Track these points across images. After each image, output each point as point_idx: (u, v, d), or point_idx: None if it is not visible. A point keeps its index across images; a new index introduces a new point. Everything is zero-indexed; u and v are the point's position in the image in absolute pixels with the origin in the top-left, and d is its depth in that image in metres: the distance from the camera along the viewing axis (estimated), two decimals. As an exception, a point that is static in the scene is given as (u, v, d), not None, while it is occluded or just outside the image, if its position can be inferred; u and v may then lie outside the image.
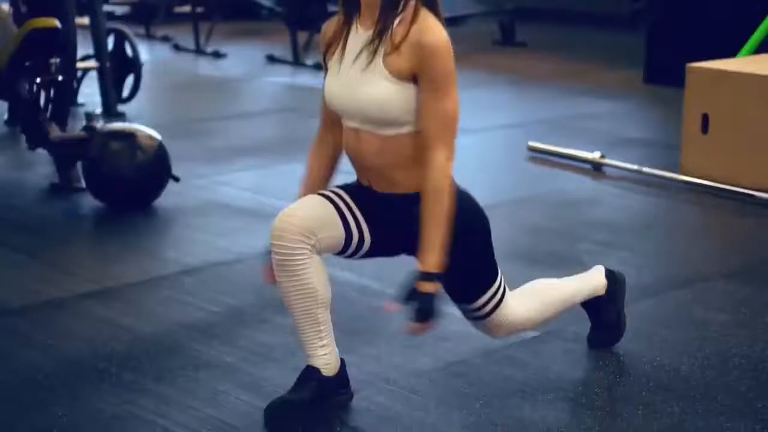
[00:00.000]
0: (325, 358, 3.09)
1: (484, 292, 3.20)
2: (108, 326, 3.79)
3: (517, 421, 3.14)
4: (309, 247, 2.99)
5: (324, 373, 3.09)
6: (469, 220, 3.10)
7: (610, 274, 3.58)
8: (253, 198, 5.35)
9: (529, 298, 3.36)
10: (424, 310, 2.92)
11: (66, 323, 3.83)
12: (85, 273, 4.33)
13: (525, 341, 3.66)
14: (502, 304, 3.24)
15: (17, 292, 4.13)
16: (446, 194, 2.93)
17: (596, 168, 5.90)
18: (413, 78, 2.92)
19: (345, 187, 3.16)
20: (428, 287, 2.91)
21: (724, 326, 3.83)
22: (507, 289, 3.27)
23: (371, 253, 3.16)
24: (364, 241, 3.10)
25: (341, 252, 3.11)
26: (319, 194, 3.11)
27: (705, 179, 5.53)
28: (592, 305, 3.56)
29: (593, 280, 3.55)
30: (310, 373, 3.09)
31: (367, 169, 3.08)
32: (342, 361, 3.16)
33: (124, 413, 3.15)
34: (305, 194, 3.16)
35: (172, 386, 3.32)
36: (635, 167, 5.77)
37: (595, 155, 5.91)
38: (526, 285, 3.42)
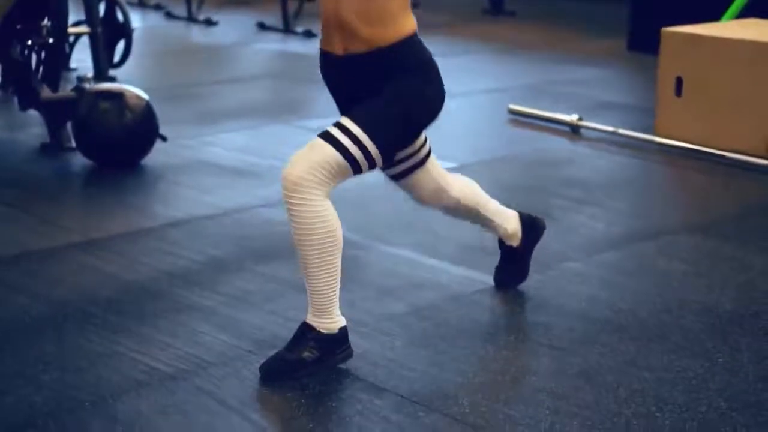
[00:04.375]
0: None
1: (371, 132, 3.10)
2: (94, 274, 3.96)
3: (480, 359, 3.32)
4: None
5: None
6: (431, 85, 3.18)
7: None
8: (239, 157, 5.51)
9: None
10: None
11: (54, 272, 4.00)
12: (74, 226, 4.50)
13: (492, 287, 3.83)
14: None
15: (8, 243, 4.29)
16: None
17: (574, 130, 6.06)
18: None
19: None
20: None
21: (685, 275, 4.00)
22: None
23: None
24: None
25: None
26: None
27: (678, 141, 5.69)
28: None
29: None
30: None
31: (340, 27, 3.12)
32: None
33: (108, 351, 3.32)
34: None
35: (154, 327, 3.49)
36: (611, 129, 5.93)
37: (572, 118, 6.07)
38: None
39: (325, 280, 3.13)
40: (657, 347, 3.39)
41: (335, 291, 3.17)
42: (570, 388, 3.12)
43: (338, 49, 3.18)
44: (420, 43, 3.20)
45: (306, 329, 3.19)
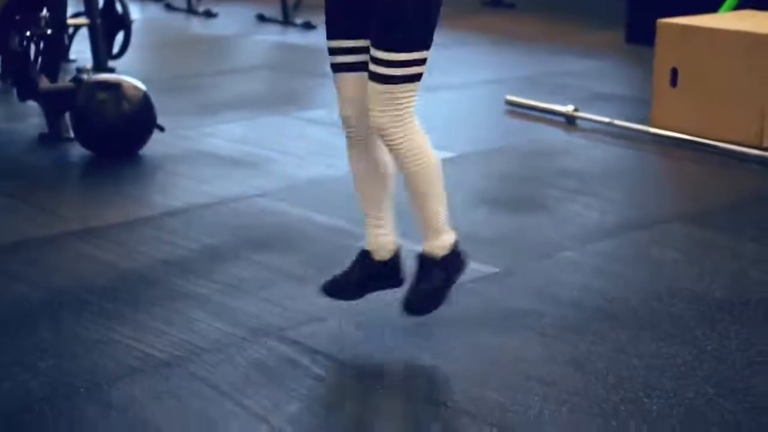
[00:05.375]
0: (379, 241, 3.40)
1: (405, 49, 3.14)
2: (92, 262, 4.00)
3: (473, 344, 3.36)
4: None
5: (375, 258, 3.40)
6: None
7: (456, 246, 3.41)
8: (237, 148, 5.54)
9: (426, 141, 3.28)
10: None
11: (52, 260, 4.04)
12: (72, 215, 4.53)
13: (486, 276, 3.87)
14: (410, 83, 3.18)
15: (6, 232, 4.33)
16: None
17: (570, 121, 6.09)
18: None
19: (335, 26, 3.28)
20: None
21: (677, 264, 4.04)
22: (417, 93, 3.27)
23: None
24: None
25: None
26: (341, 67, 3.27)
27: (673, 131, 5.72)
28: (423, 262, 3.40)
29: (446, 226, 3.38)
30: (362, 256, 3.43)
31: None
32: (398, 251, 3.44)
33: (103, 338, 3.36)
34: None
35: (150, 315, 3.53)
36: (607, 120, 5.96)
37: (568, 109, 6.10)
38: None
39: (434, 201, 3.32)
40: (647, 335, 3.42)
41: (445, 207, 3.36)
42: (560, 375, 3.15)
43: None
44: None
45: (426, 261, 3.38)
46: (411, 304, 3.36)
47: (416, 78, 3.22)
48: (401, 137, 3.20)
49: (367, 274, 3.44)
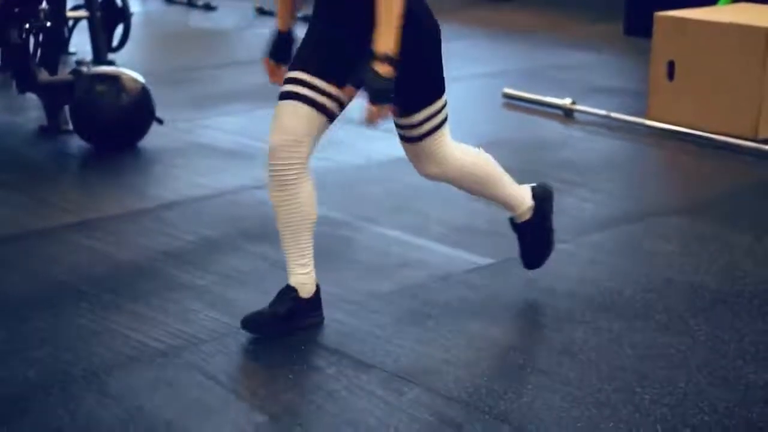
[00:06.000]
0: (303, 278, 3.35)
1: (426, 106, 3.30)
2: (89, 254, 4.02)
3: (466, 336, 3.38)
4: (300, 160, 3.22)
5: (300, 294, 3.34)
6: (422, 23, 3.22)
7: (537, 191, 3.71)
8: (234, 140, 5.56)
9: (467, 152, 3.49)
10: (380, 91, 3.07)
11: (49, 251, 4.06)
12: (70, 207, 4.56)
13: (481, 267, 3.90)
14: (440, 130, 3.36)
15: (5, 223, 4.36)
16: None
17: (567, 114, 6.11)
18: None
19: (301, 61, 3.29)
20: (383, 68, 3.06)
21: (671, 256, 4.06)
22: (448, 126, 3.40)
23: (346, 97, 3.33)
24: (340, 99, 3.27)
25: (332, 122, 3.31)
26: (290, 95, 3.25)
27: (670, 124, 5.74)
28: (520, 228, 3.69)
29: (521, 193, 3.65)
30: (288, 291, 3.35)
31: (328, 3, 3.24)
32: (317, 287, 3.39)
33: (100, 328, 3.39)
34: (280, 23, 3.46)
35: (147, 305, 3.56)
36: (604, 113, 5.98)
37: (565, 101, 6.12)
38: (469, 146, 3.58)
39: (501, 186, 3.60)
40: (641, 325, 3.45)
41: (509, 181, 3.66)
42: (553, 365, 3.18)
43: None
44: None
45: (521, 225, 3.69)
46: (531, 262, 3.73)
47: (443, 123, 3.38)
48: (451, 177, 3.48)
49: (292, 308, 3.35)
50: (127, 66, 6.03)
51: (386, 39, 3.06)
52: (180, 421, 2.86)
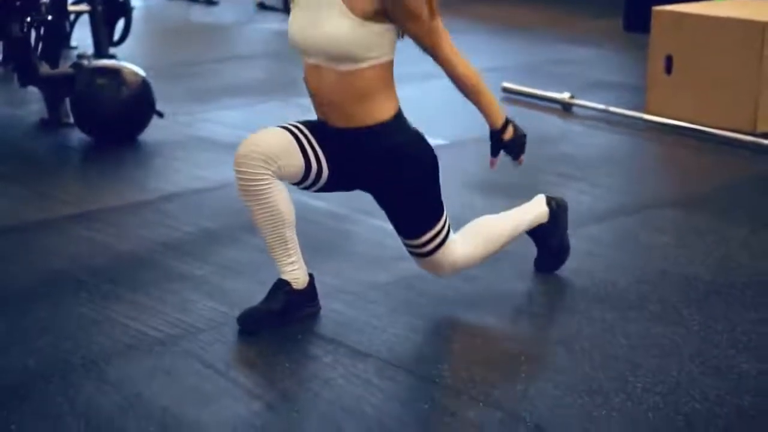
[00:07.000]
0: (294, 273, 3.36)
1: (429, 230, 3.39)
2: (89, 245, 4.06)
3: (461, 325, 3.42)
4: (270, 172, 3.24)
5: (294, 287, 3.36)
6: (419, 155, 3.33)
7: (551, 202, 3.77)
8: (235, 134, 5.58)
9: (472, 238, 3.55)
10: (520, 145, 3.46)
11: (50, 242, 4.10)
12: (71, 199, 4.59)
13: (477, 259, 3.92)
14: (445, 244, 3.43)
15: (5, 215, 4.39)
16: (467, 67, 3.33)
17: (566, 108, 6.14)
18: (380, 16, 3.13)
19: (306, 122, 3.37)
20: (509, 133, 3.46)
21: (666, 248, 4.09)
22: (451, 231, 3.47)
23: (328, 187, 3.39)
24: (322, 172, 3.33)
25: (300, 182, 3.35)
26: (281, 126, 3.33)
27: (668, 118, 5.77)
28: (536, 232, 3.75)
29: (534, 210, 3.72)
30: (281, 285, 3.37)
31: (327, 104, 3.28)
32: (311, 276, 3.42)
33: (99, 317, 3.43)
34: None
35: (146, 295, 3.59)
36: (602, 107, 6.01)
37: (564, 96, 6.15)
38: (468, 225, 3.60)
39: (518, 227, 3.71)
40: (634, 315, 3.48)
41: (525, 216, 3.74)
42: (547, 354, 3.21)
43: (329, 120, 3.31)
44: (403, 119, 3.33)
45: (538, 231, 3.76)
46: (546, 267, 3.79)
47: (447, 236, 3.43)
48: (474, 265, 3.57)
49: (286, 302, 3.36)
50: (128, 60, 6.07)
51: (494, 115, 3.44)
52: (178, 408, 2.89)
